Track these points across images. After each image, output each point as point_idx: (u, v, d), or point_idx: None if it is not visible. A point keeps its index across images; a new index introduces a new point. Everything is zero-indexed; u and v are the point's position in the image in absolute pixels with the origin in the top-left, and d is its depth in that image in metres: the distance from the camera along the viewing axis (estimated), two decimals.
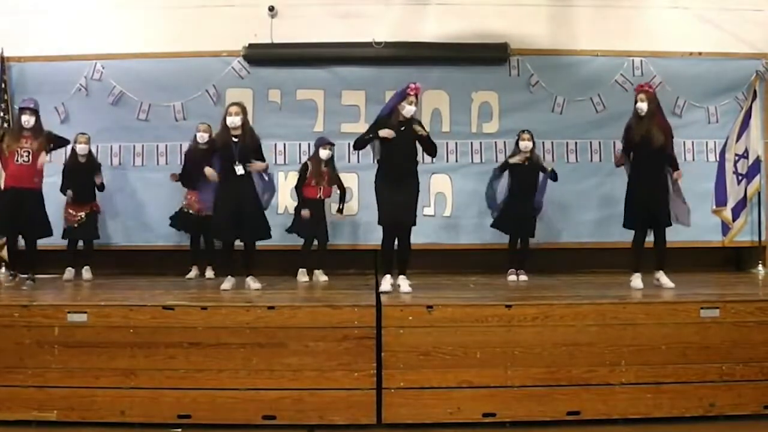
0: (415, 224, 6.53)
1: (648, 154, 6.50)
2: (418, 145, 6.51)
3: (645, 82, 6.99)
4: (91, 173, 7.91)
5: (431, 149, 6.60)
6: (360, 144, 6.54)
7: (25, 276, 6.95)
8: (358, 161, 8.32)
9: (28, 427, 5.27)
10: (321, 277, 7.79)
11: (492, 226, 7.94)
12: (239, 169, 6.60)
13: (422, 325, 5.37)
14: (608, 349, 5.39)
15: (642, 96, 6.52)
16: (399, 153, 6.38)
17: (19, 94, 8.54)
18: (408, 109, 6.37)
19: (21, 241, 7.30)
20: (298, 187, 7.79)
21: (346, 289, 6.86)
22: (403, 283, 6.43)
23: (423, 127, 6.52)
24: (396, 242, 6.55)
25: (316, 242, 7.80)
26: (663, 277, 6.60)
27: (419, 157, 6.61)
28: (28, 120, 6.94)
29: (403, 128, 6.35)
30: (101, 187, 8.01)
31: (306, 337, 5.35)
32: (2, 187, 7.10)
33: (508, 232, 7.86)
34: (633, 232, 6.73)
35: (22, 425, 5.27)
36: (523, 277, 7.61)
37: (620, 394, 5.35)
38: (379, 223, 6.55)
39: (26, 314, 5.40)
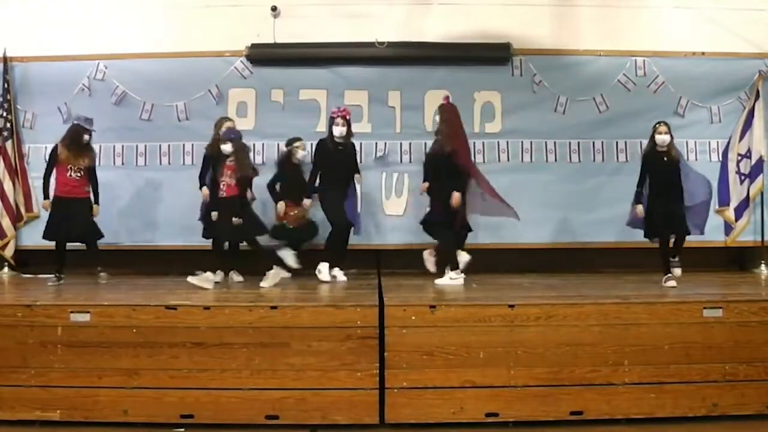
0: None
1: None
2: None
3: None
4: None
5: None
6: None
7: (101, 271, 7.53)
8: (361, 161, 8.26)
9: (32, 426, 5.30)
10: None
11: None
12: None
13: (425, 325, 5.39)
14: (611, 349, 5.41)
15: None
16: None
17: (22, 94, 8.57)
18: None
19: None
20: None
21: (349, 288, 6.87)
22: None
23: None
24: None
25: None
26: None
27: None
28: (89, 139, 7.38)
29: None
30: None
31: (309, 336, 5.37)
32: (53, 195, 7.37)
33: None
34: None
35: (26, 425, 5.31)
36: None
37: (623, 394, 5.37)
38: None
39: (29, 314, 5.43)
